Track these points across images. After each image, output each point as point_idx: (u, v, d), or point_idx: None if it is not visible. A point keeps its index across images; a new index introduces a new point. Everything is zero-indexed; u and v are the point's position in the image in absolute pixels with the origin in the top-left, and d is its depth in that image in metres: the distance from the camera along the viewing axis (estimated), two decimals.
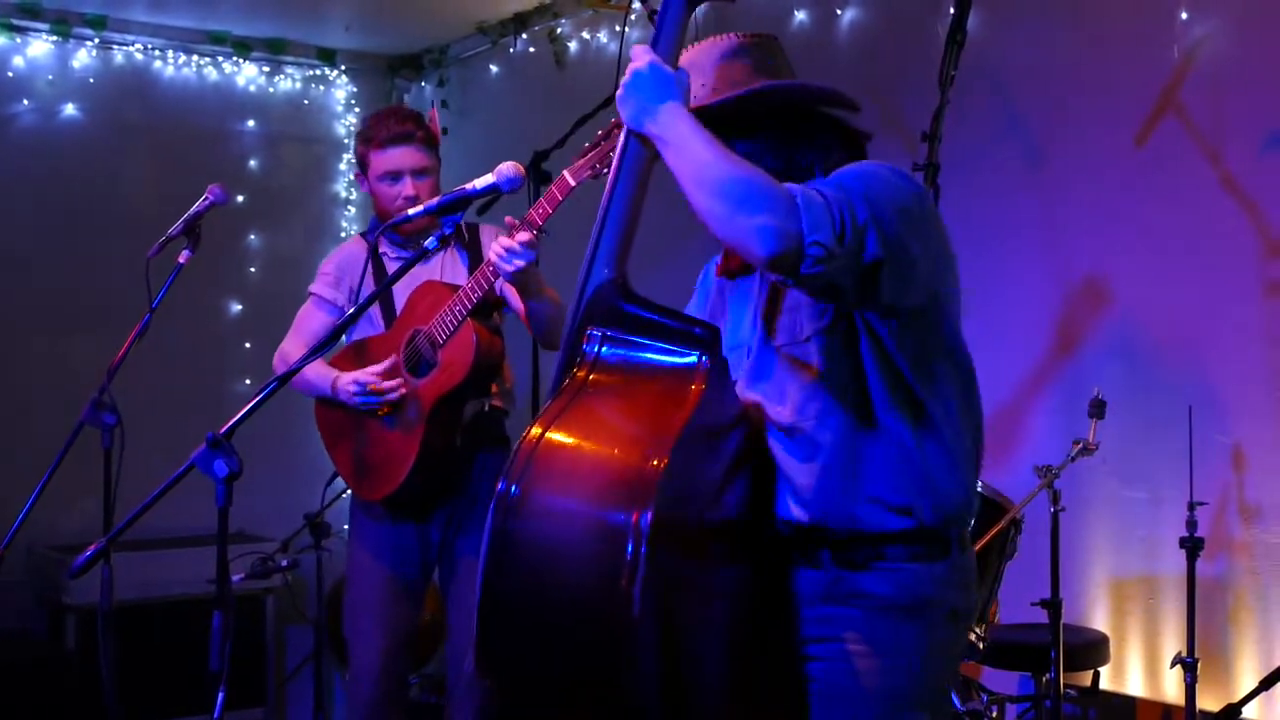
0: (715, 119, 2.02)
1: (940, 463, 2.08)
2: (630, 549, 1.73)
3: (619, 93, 2.03)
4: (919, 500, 2.06)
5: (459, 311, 3.35)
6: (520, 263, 2.92)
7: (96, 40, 5.89)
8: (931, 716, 2.11)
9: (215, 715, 2.18)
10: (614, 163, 2.07)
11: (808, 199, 1.86)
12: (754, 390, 2.15)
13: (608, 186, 2.07)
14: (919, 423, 2.07)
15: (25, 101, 5.77)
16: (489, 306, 3.47)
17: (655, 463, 1.79)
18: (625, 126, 2.05)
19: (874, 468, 2.06)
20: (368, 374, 3.45)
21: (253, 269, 6.31)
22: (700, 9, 2.11)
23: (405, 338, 3.52)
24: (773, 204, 1.85)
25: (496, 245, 3.04)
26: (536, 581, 1.82)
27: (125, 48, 6.00)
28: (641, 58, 2.02)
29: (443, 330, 3.41)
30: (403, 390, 3.45)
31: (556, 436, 1.88)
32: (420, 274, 3.51)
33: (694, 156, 1.94)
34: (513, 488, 1.83)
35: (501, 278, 3.04)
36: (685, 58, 2.19)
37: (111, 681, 3.28)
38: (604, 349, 1.96)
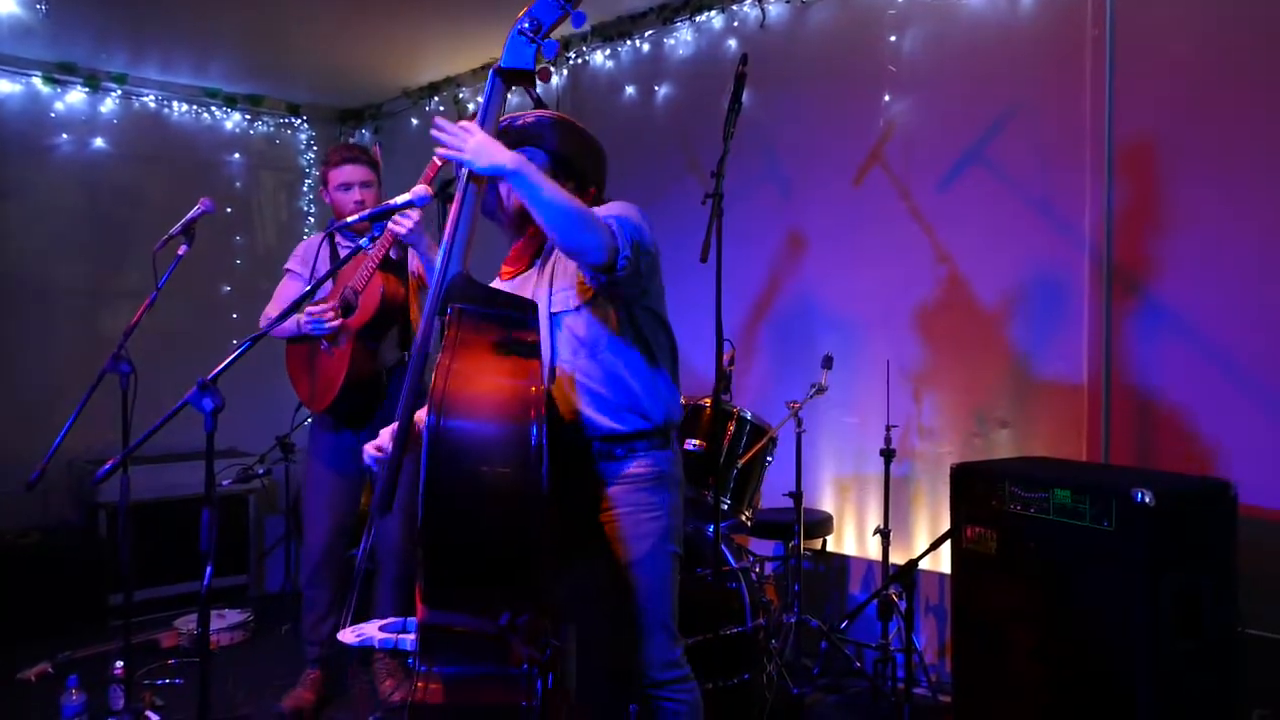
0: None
1: (664, 389, 2.26)
2: (535, 441, 1.80)
3: (471, 144, 1.99)
4: (653, 410, 2.23)
5: (370, 266, 3.33)
6: (407, 224, 2.84)
7: (119, 91, 5.53)
8: (677, 547, 2.26)
9: (205, 582, 2.09)
10: (455, 200, 2.06)
11: (614, 231, 2.03)
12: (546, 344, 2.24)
13: (451, 216, 2.06)
14: (653, 364, 2.24)
15: (64, 135, 5.39)
16: (393, 265, 3.41)
17: (535, 389, 1.87)
18: (470, 172, 2.02)
19: (627, 392, 2.21)
20: (313, 308, 3.37)
21: (238, 261, 6.03)
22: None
23: (339, 291, 3.43)
24: (601, 231, 2.01)
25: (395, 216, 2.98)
26: (465, 476, 1.82)
27: (142, 98, 5.63)
28: (475, 131, 2.01)
29: (360, 281, 3.36)
30: (337, 323, 3.36)
31: (455, 380, 1.87)
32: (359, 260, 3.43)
33: (547, 192, 1.99)
34: (436, 418, 1.82)
35: (400, 238, 2.94)
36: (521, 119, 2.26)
37: (129, 559, 3.12)
38: (463, 316, 1.97)
